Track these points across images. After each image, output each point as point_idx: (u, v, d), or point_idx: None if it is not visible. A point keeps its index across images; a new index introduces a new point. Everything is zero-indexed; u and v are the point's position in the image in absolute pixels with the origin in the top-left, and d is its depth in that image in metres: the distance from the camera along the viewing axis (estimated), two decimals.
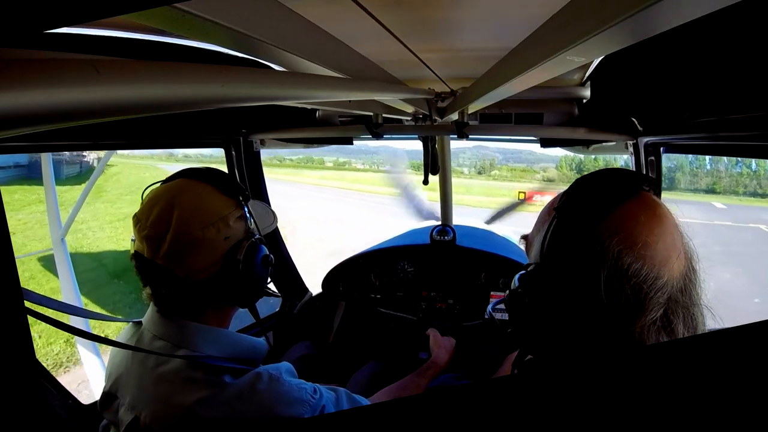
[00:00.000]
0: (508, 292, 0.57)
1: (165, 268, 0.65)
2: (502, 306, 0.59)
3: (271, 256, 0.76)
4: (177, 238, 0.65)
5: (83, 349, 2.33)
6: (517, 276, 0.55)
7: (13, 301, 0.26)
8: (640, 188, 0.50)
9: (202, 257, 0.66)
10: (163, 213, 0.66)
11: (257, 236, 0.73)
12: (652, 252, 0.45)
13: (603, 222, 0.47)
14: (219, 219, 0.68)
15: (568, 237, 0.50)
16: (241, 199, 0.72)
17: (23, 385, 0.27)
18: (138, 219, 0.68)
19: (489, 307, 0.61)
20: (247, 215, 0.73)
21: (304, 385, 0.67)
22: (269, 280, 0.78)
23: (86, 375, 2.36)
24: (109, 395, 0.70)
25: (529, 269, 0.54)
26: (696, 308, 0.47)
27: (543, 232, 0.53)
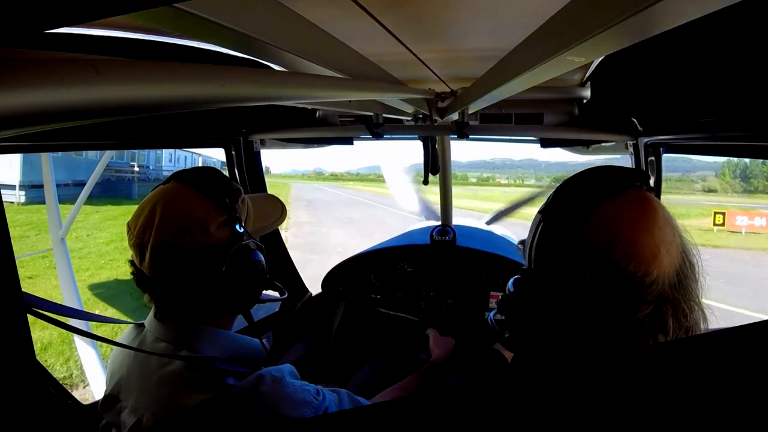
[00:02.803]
0: (501, 296, 0.57)
1: (150, 278, 0.65)
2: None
3: (263, 261, 0.70)
4: (156, 249, 0.63)
5: (83, 350, 2.33)
6: (511, 281, 0.55)
7: (13, 301, 0.26)
8: (627, 186, 0.49)
9: (182, 267, 0.64)
10: (146, 222, 0.65)
11: (247, 240, 0.69)
12: (639, 249, 0.44)
13: (587, 222, 0.47)
14: (196, 227, 0.64)
15: (554, 239, 0.50)
16: (227, 201, 0.68)
17: (23, 385, 0.27)
18: (129, 227, 0.67)
19: (490, 315, 0.60)
20: (235, 218, 0.68)
21: (307, 387, 0.67)
22: (265, 284, 0.73)
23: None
24: (110, 397, 0.70)
25: (522, 273, 0.54)
26: (691, 304, 0.46)
27: (532, 235, 0.53)
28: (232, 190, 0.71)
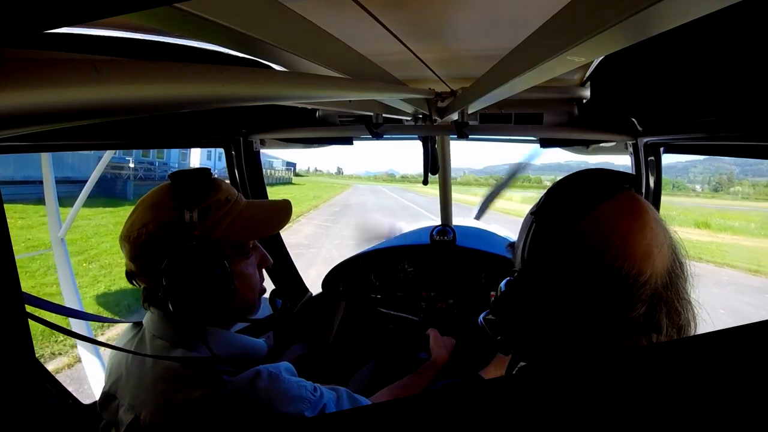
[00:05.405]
0: (493, 298, 0.57)
1: (130, 273, 0.69)
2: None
3: (220, 270, 0.64)
4: (123, 245, 0.67)
5: (83, 349, 2.33)
6: (503, 282, 0.55)
7: (13, 302, 0.26)
8: (619, 187, 0.50)
9: (140, 267, 0.67)
10: (129, 218, 0.68)
11: (206, 246, 0.64)
12: (631, 248, 0.45)
13: (580, 223, 0.47)
14: (143, 226, 0.64)
15: (547, 240, 0.50)
16: (195, 201, 0.65)
17: (23, 385, 0.27)
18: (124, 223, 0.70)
19: (480, 317, 0.60)
20: (192, 220, 0.64)
21: (304, 383, 0.67)
22: (217, 294, 0.65)
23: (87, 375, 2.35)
24: (108, 396, 0.70)
25: (514, 275, 0.54)
26: (683, 303, 0.47)
27: (524, 237, 0.53)
28: (199, 190, 0.67)
